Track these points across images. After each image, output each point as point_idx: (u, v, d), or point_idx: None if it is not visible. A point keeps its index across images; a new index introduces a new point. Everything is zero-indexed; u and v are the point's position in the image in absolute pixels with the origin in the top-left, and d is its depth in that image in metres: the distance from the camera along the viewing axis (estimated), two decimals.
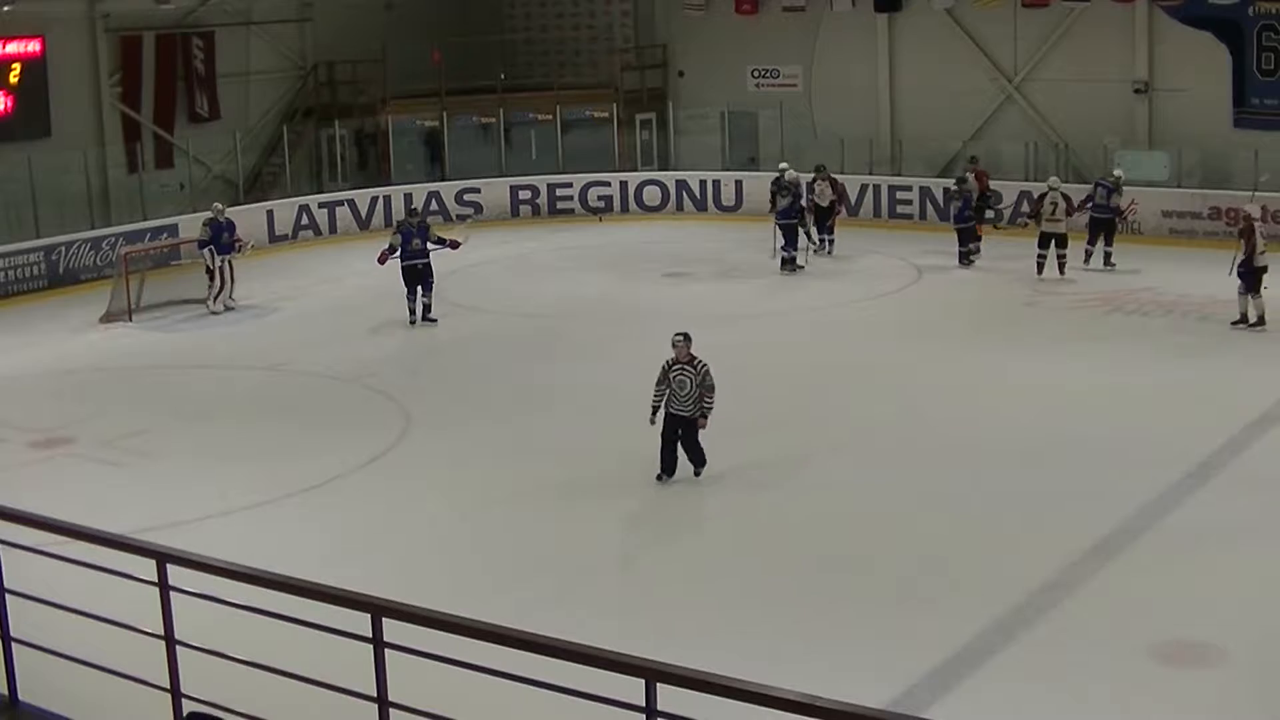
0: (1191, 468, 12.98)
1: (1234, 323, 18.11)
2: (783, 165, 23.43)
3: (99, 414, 16.04)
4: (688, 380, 12.64)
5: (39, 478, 13.74)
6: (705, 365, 12.65)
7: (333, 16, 29.04)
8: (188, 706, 6.00)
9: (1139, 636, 9.65)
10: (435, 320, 19.57)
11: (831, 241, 23.77)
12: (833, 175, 24.07)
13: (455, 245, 19.83)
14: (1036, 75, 26.54)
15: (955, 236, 22.83)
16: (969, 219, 22.63)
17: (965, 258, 22.54)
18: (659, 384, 12.73)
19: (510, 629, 5.09)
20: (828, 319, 19.79)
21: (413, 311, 19.59)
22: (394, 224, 20.86)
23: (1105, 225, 21.88)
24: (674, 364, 12.73)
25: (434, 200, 27.71)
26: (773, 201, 22.95)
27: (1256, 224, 18.09)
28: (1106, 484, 12.59)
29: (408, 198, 27.39)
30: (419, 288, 19.58)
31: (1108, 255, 21.86)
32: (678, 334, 12.82)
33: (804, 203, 23.11)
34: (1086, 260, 21.85)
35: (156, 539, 7.29)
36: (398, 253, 19.51)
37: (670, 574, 11.22)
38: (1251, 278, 17.90)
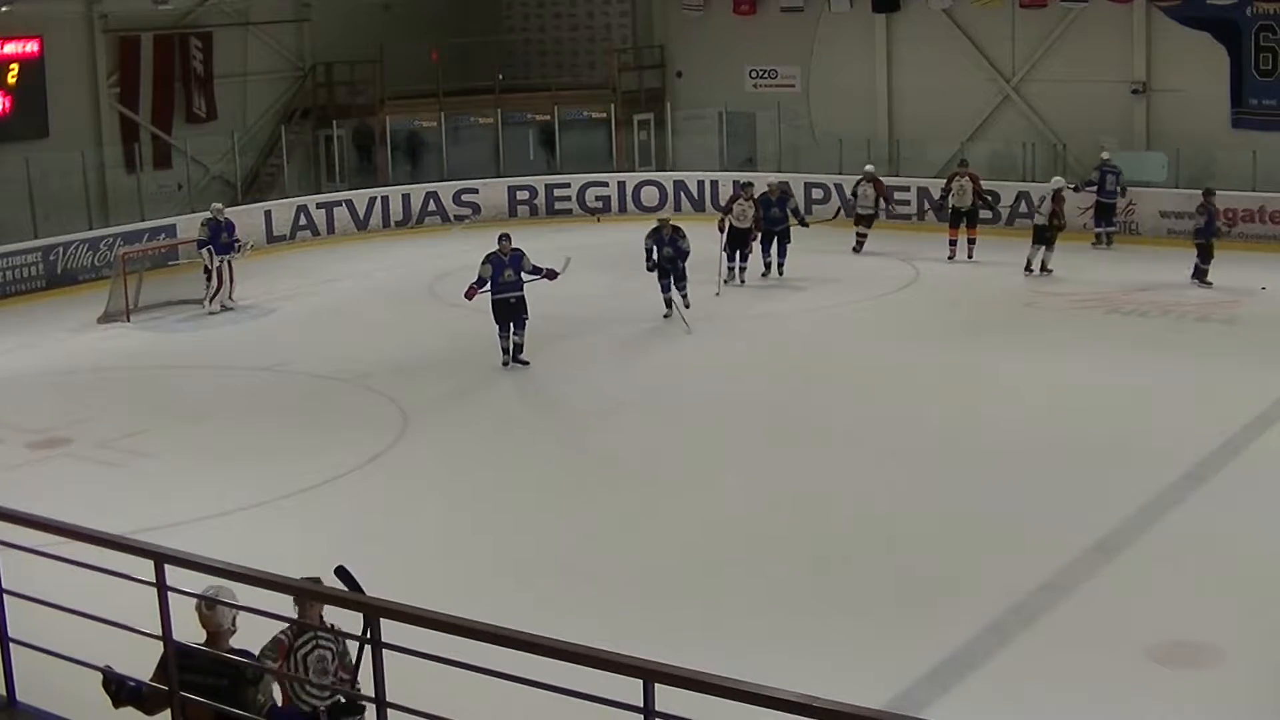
0: (1190, 468, 12.98)
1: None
2: (663, 216, 20.33)
3: (97, 414, 16.02)
4: (329, 656, 7.03)
5: (37, 478, 13.72)
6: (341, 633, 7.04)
7: (331, 17, 29.02)
8: (184, 707, 6.00)
9: (1138, 636, 9.65)
10: (527, 363, 17.36)
11: (743, 269, 21.58)
12: (755, 195, 21.61)
13: (553, 275, 17.40)
14: (1034, 76, 26.55)
15: (948, 235, 22.94)
16: (1216, 232, 20.73)
17: (1203, 277, 20.63)
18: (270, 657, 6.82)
19: (509, 629, 5.08)
20: (826, 319, 19.78)
21: (506, 351, 17.38)
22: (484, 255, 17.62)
23: (1109, 209, 23.74)
24: (299, 635, 6.94)
25: (431, 200, 27.76)
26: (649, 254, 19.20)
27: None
28: (1106, 484, 12.59)
29: (395, 197, 27.57)
30: (511, 324, 17.31)
31: (1109, 236, 23.82)
32: (307, 578, 6.76)
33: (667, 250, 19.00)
34: (1096, 243, 23.73)
35: (154, 539, 7.27)
36: (486, 286, 17.23)
37: (669, 574, 11.21)
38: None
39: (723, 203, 23.36)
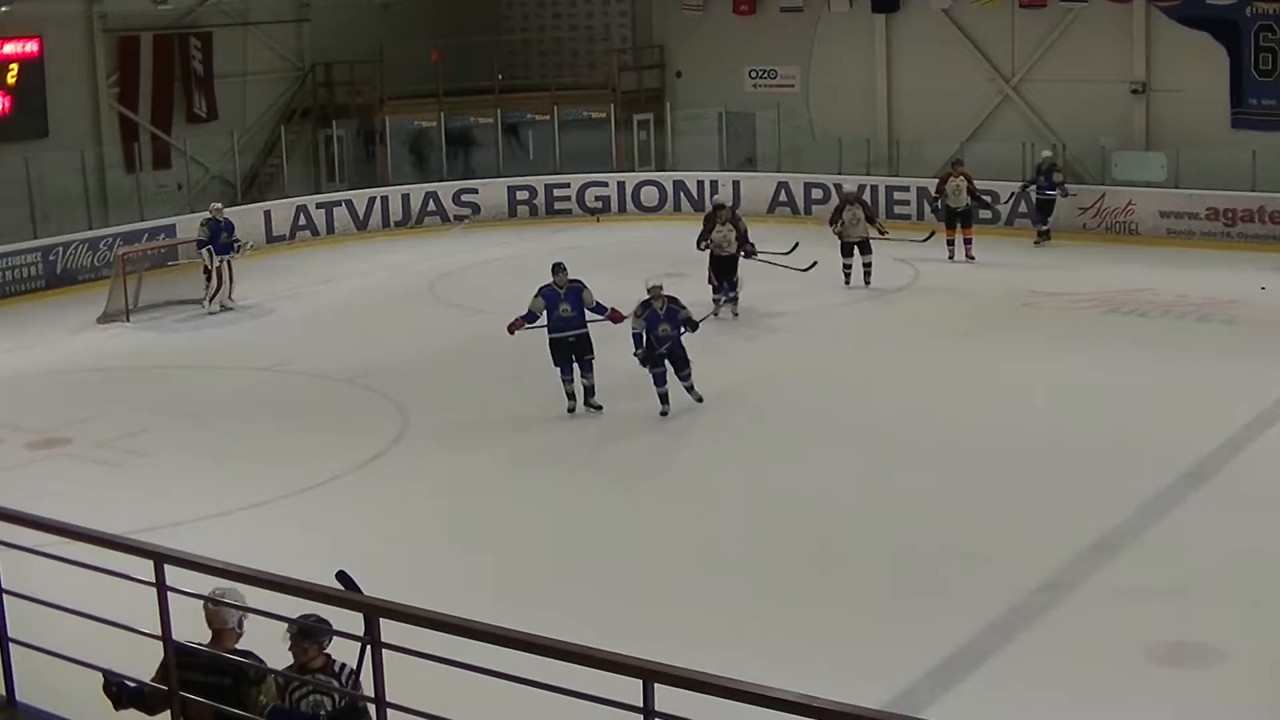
0: (1190, 468, 12.98)
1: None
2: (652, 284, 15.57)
3: (96, 414, 16.02)
4: (325, 703, 6.23)
5: (36, 478, 13.74)
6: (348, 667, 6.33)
7: (330, 17, 29.03)
8: (185, 707, 6.00)
9: (1139, 636, 9.65)
10: (600, 407, 15.38)
11: (733, 299, 19.18)
12: (736, 216, 19.84)
13: (618, 318, 15.42)
14: (1034, 76, 26.54)
15: (945, 235, 22.95)
16: None
17: None
18: None
19: (508, 629, 5.09)
20: (826, 319, 19.76)
21: (571, 395, 15.34)
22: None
23: (1044, 205, 24.01)
24: (293, 679, 6.22)
25: (431, 200, 27.77)
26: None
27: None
28: (1106, 484, 12.58)
29: (395, 197, 27.57)
30: (575, 366, 15.33)
31: (1045, 233, 24.08)
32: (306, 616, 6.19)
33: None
34: (1037, 242, 24.11)
35: (154, 539, 7.28)
36: (537, 321, 15.31)
37: (668, 574, 11.21)
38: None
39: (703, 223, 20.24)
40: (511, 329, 15.46)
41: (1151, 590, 10.50)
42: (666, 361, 15.06)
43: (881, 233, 21.08)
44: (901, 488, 12.87)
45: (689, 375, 15.24)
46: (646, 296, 15.15)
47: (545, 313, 15.29)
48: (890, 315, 19.99)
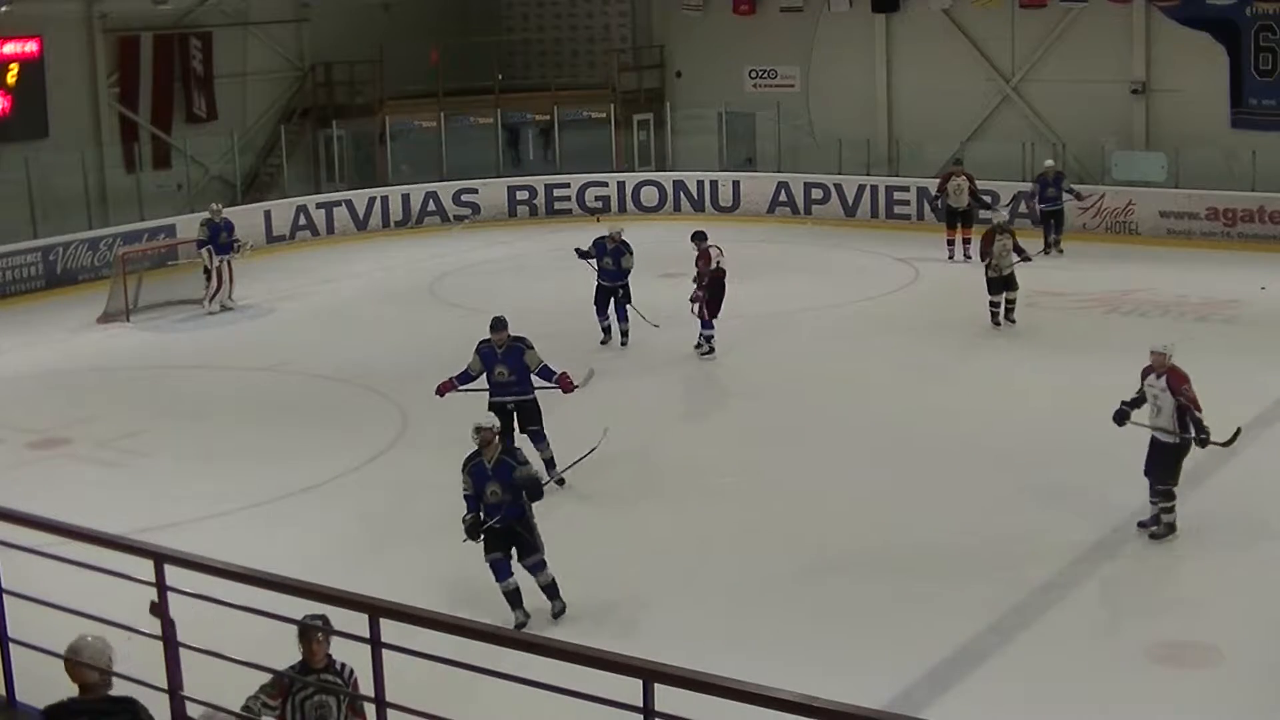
0: (1189, 468, 12.94)
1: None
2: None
3: (96, 414, 16.03)
4: (332, 704, 6.39)
5: (37, 478, 13.73)
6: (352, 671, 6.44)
7: (330, 17, 29.04)
8: (186, 707, 6.00)
9: (1138, 636, 9.67)
10: (563, 482, 12.60)
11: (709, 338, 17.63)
12: (711, 246, 17.73)
13: (569, 386, 12.94)
14: (1034, 76, 26.56)
15: (945, 235, 22.94)
16: None
17: None
18: (267, 693, 6.46)
19: (509, 629, 5.09)
20: (826, 320, 19.77)
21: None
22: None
23: (1056, 215, 23.01)
24: (302, 677, 6.43)
25: (431, 200, 27.77)
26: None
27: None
28: (1106, 484, 12.58)
29: (395, 197, 27.54)
30: (513, 436, 12.50)
31: (1057, 242, 22.96)
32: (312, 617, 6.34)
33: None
34: (1046, 251, 22.72)
35: (154, 539, 7.28)
36: (473, 382, 12.97)
37: (668, 574, 11.21)
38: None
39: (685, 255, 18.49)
40: (440, 391, 13.10)
41: (1151, 590, 10.52)
42: (510, 542, 10.17)
43: (1026, 259, 18.85)
44: (901, 488, 12.86)
45: (539, 565, 10.12)
46: (475, 444, 10.33)
47: (483, 372, 12.97)
48: (890, 316, 19.98)
